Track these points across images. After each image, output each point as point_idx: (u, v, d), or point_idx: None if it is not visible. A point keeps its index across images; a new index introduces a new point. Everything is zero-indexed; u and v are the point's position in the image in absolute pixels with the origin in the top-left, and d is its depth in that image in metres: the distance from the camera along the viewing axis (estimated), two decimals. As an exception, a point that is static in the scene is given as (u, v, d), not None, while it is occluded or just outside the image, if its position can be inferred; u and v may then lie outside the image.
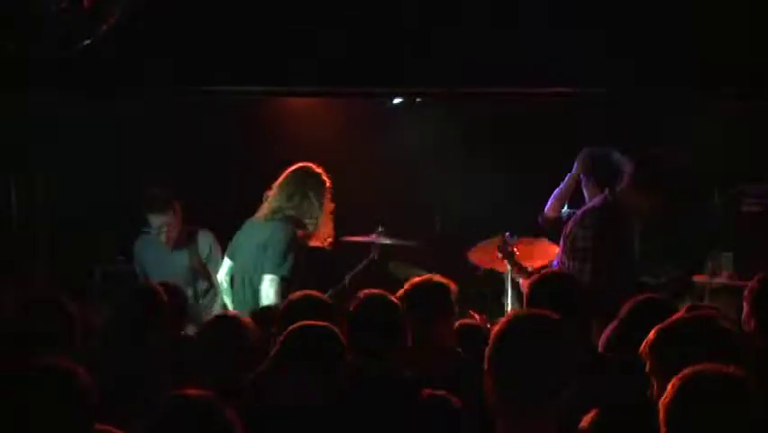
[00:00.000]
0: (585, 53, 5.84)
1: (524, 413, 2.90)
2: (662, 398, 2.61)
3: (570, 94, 6.51)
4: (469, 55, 5.91)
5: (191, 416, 2.69)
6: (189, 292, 6.04)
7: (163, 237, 6.22)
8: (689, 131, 7.09)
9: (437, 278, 4.41)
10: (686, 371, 2.60)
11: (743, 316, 4.20)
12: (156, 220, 6.20)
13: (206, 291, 6.38)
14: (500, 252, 6.32)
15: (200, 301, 6.31)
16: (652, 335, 3.07)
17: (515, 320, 3.03)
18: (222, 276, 6.09)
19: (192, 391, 2.76)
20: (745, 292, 4.20)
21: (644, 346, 3.07)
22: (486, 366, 2.99)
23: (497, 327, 3.04)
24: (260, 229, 5.96)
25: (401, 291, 4.28)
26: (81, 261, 6.87)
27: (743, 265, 6.92)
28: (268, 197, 6.06)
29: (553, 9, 5.87)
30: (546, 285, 4.13)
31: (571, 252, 5.43)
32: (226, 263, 6.10)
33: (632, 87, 6.17)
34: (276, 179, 6.42)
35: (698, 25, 5.87)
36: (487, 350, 3.02)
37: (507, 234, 6.33)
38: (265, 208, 6.02)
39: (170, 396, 2.76)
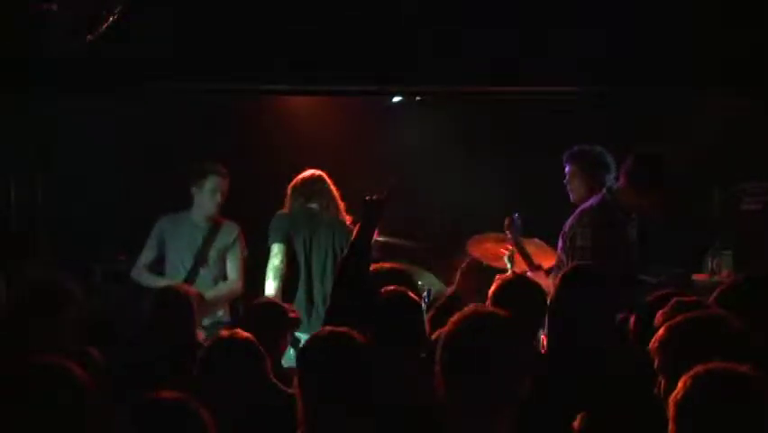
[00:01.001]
0: (585, 53, 5.84)
1: (478, 413, 2.88)
2: (673, 395, 2.58)
3: (570, 94, 6.52)
4: (469, 55, 5.92)
5: (165, 417, 2.68)
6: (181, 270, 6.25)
7: (217, 199, 6.29)
8: (689, 131, 7.10)
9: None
10: (697, 368, 2.58)
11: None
12: (216, 182, 6.30)
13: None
14: (508, 231, 6.28)
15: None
16: (662, 332, 3.06)
17: (465, 320, 3.01)
18: (279, 261, 6.19)
19: (166, 393, 2.74)
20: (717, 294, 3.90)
21: (654, 343, 3.06)
22: (437, 367, 2.98)
23: (447, 327, 3.03)
24: (335, 227, 6.27)
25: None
26: (81, 261, 6.86)
27: (743, 264, 6.92)
28: (311, 200, 6.28)
29: (553, 9, 5.87)
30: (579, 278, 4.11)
31: (570, 249, 5.43)
32: (280, 248, 6.20)
33: (632, 87, 6.18)
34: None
35: (697, 25, 5.87)
36: (437, 351, 3.00)
37: (516, 214, 6.29)
38: (329, 209, 6.32)
39: (143, 398, 2.74)
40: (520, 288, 4.27)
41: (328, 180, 6.39)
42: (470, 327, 2.97)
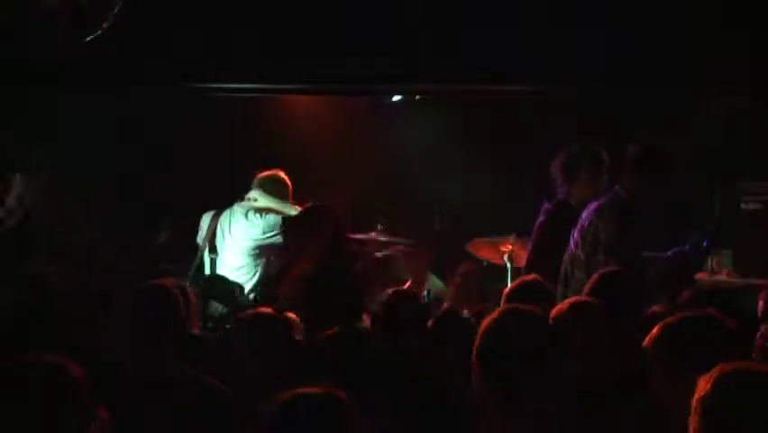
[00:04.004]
0: (585, 53, 5.85)
1: (506, 412, 2.89)
2: (697, 393, 2.55)
3: (569, 93, 6.52)
4: (469, 55, 5.92)
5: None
6: None
7: None
8: (689, 130, 7.10)
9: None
10: (723, 367, 2.56)
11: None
12: None
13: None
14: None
15: None
16: (657, 330, 3.07)
17: (505, 316, 3.04)
18: None
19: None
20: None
21: (649, 341, 3.07)
22: (474, 361, 3.00)
23: (486, 322, 3.05)
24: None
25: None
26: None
27: (742, 263, 6.93)
28: None
29: (553, 9, 5.88)
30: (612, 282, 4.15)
31: (590, 245, 5.39)
32: None
33: (632, 87, 6.18)
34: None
35: (697, 25, 5.88)
36: (475, 344, 3.02)
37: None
38: None
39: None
40: (535, 288, 4.30)
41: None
42: (513, 324, 3.00)
